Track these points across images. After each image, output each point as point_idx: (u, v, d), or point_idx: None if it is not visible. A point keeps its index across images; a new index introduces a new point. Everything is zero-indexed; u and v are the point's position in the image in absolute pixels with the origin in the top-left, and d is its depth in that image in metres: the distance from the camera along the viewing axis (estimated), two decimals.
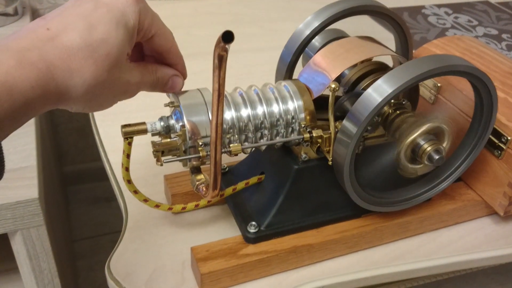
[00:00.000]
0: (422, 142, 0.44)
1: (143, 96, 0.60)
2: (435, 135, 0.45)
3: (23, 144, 0.63)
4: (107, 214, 1.25)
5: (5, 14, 0.93)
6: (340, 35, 0.55)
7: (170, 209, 0.49)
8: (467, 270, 0.67)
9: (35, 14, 1.06)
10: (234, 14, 1.05)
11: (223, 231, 0.52)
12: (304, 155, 0.47)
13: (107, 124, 0.69)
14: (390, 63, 0.54)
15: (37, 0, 1.06)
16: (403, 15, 1.09)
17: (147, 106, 0.67)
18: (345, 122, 0.43)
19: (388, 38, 0.59)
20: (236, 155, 0.43)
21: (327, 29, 0.53)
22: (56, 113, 1.22)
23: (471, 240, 0.54)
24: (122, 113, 0.71)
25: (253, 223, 0.48)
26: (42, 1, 1.06)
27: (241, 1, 1.13)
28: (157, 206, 0.47)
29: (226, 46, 0.32)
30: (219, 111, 0.36)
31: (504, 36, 1.02)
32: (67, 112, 1.22)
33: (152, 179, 0.58)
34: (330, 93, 0.43)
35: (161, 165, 0.41)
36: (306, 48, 0.53)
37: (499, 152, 0.52)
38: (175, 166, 0.54)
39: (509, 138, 0.50)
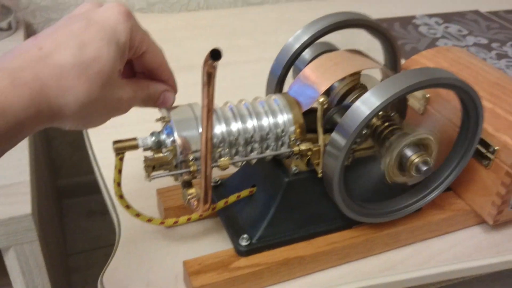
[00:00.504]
0: (409, 154, 0.45)
1: (136, 110, 0.60)
2: (422, 146, 0.45)
3: (17, 159, 0.63)
4: (102, 227, 1.25)
5: None
6: (330, 48, 0.55)
7: (162, 223, 0.49)
8: (460, 279, 0.67)
9: (29, 29, 1.07)
10: (226, 26, 1.06)
11: (216, 244, 0.52)
12: (294, 168, 0.48)
13: (101, 138, 0.69)
14: (379, 76, 0.54)
15: (31, 15, 1.06)
16: (394, 25, 1.10)
17: (141, 120, 0.67)
18: (333, 134, 0.44)
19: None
20: (225, 169, 0.44)
21: (317, 42, 0.54)
22: (51, 127, 1.22)
23: (461, 249, 0.55)
24: (115, 127, 0.71)
25: (245, 236, 0.48)
26: (36, 15, 1.06)
27: (233, 13, 1.14)
28: (149, 220, 0.48)
29: (214, 63, 0.33)
30: (209, 127, 0.37)
31: (493, 45, 1.04)
32: None
33: (146, 193, 0.59)
34: (319, 107, 0.44)
35: (150, 180, 0.42)
36: (296, 61, 0.54)
37: (487, 162, 0.52)
38: (168, 180, 0.54)
39: (496, 148, 0.51)
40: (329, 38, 0.55)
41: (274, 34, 1.02)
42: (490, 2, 1.27)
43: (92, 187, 0.66)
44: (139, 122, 0.69)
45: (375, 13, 1.16)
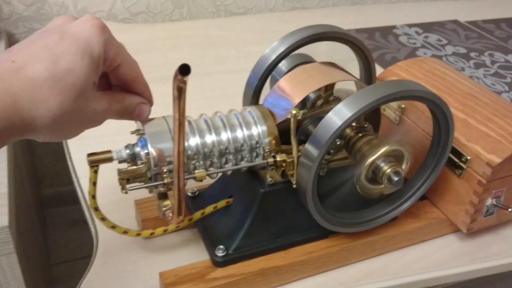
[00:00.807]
0: (382, 164, 0.46)
1: (116, 121, 0.60)
2: (394, 157, 0.46)
3: None
4: (85, 237, 1.24)
5: None
6: (306, 60, 0.56)
7: (138, 235, 0.49)
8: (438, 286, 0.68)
9: (11, 39, 1.06)
10: (209, 36, 1.06)
11: (193, 255, 0.52)
12: (269, 179, 0.48)
13: (80, 149, 0.69)
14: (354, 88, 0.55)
15: (13, 25, 1.06)
16: (375, 35, 1.12)
17: (120, 130, 0.68)
18: (307, 145, 0.44)
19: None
20: (201, 180, 0.44)
21: (294, 54, 0.55)
22: None
23: (437, 258, 0.55)
24: (95, 137, 0.71)
25: (221, 246, 0.48)
26: (18, 26, 1.06)
27: (216, 24, 1.15)
28: (125, 232, 0.48)
29: (184, 78, 0.33)
30: (181, 139, 0.37)
31: (472, 54, 1.06)
32: None
33: (124, 204, 0.59)
34: (291, 119, 0.44)
35: (126, 192, 0.42)
36: (274, 73, 0.55)
37: (460, 171, 0.53)
38: (146, 191, 0.54)
39: (468, 157, 0.52)
40: (317, 48, 0.55)
41: (257, 44, 1.03)
42: (469, 12, 1.30)
43: (76, 197, 0.66)
44: (120, 132, 0.69)
45: (356, 23, 1.17)
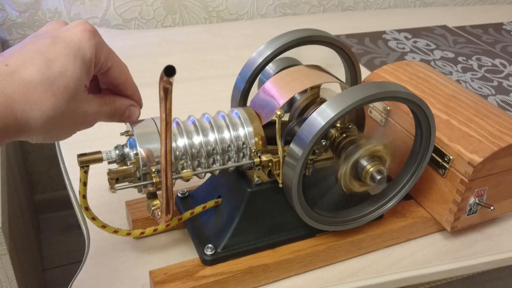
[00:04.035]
0: (365, 163, 0.47)
1: (106, 123, 0.61)
2: (377, 156, 0.47)
3: None
4: (79, 241, 1.25)
5: None
6: (292, 63, 0.58)
7: (128, 234, 0.50)
8: (431, 284, 0.69)
9: (4, 45, 1.08)
10: (201, 42, 1.08)
11: (183, 254, 0.53)
12: (256, 179, 0.49)
13: (73, 152, 0.69)
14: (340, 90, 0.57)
15: (7, 31, 1.07)
16: (365, 40, 1.14)
17: (112, 133, 0.69)
18: (292, 145, 0.45)
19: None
20: (188, 180, 0.45)
21: (281, 57, 0.56)
22: (26, 142, 1.22)
23: (422, 256, 0.57)
24: (87, 141, 0.72)
25: (210, 245, 0.49)
26: (12, 32, 1.07)
27: (208, 29, 1.16)
28: (115, 231, 0.49)
29: (170, 79, 0.35)
30: (168, 139, 0.38)
31: (460, 59, 1.07)
32: None
33: (115, 205, 0.60)
34: (276, 120, 0.46)
35: (114, 192, 0.43)
36: (261, 75, 0.56)
37: (443, 170, 0.55)
38: (137, 193, 0.55)
39: (451, 157, 0.53)
40: (305, 51, 0.57)
41: (248, 49, 1.04)
42: (458, 18, 1.32)
43: (69, 202, 0.67)
44: (112, 136, 0.70)
45: (346, 28, 1.19)
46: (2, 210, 0.59)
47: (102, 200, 0.60)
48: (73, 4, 1.08)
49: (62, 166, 0.68)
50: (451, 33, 1.21)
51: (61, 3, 1.07)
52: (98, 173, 0.53)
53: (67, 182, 0.65)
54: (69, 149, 0.71)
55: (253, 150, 0.48)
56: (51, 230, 1.32)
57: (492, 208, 0.55)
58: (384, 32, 1.19)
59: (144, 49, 1.02)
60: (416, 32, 1.20)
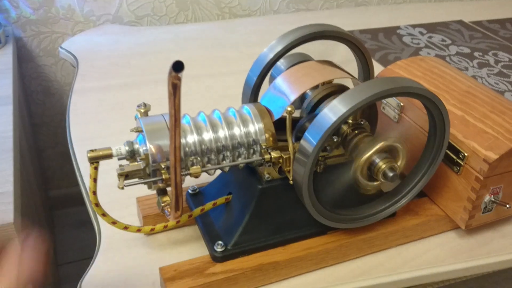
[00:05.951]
0: (377, 160, 0.46)
1: (121, 120, 0.61)
2: (389, 153, 0.47)
3: (0, 170, 0.64)
4: (93, 237, 1.26)
5: None
6: (304, 59, 0.57)
7: (139, 230, 0.50)
8: (445, 282, 0.68)
9: (18, 43, 1.08)
10: (213, 39, 1.07)
11: (194, 251, 0.53)
12: (267, 175, 0.49)
13: (85, 149, 0.69)
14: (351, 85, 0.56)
15: (21, 28, 1.08)
16: (379, 35, 1.12)
17: (123, 130, 0.69)
18: (302, 141, 0.45)
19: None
20: (198, 177, 0.45)
21: (292, 53, 0.56)
22: (41, 139, 1.23)
23: (436, 254, 0.56)
24: (99, 138, 0.73)
25: (220, 242, 0.49)
26: (26, 29, 1.08)
27: (220, 26, 1.16)
28: (125, 228, 0.49)
29: (179, 75, 0.34)
30: (176, 135, 0.38)
31: (476, 54, 1.06)
32: (51, 137, 1.24)
33: (127, 201, 0.60)
34: (287, 116, 0.45)
35: (122, 188, 0.43)
36: (272, 71, 0.56)
37: (458, 168, 0.54)
38: (148, 189, 0.55)
39: (466, 154, 0.52)
40: (318, 47, 0.56)
41: (260, 46, 1.03)
42: (474, 12, 1.29)
43: (83, 198, 0.67)
44: (124, 131, 0.70)
45: (360, 24, 1.18)
46: (15, 206, 0.59)
47: (114, 196, 0.60)
48: (86, 1, 1.09)
49: (74, 162, 0.68)
50: (467, 28, 1.19)
51: (74, 0, 1.08)
52: (110, 169, 0.53)
53: (79, 178, 0.65)
54: (81, 146, 0.71)
55: (264, 147, 0.47)
56: (65, 226, 1.33)
57: (508, 206, 0.54)
58: (398, 27, 1.17)
59: (156, 46, 1.02)
60: (431, 27, 1.18)
